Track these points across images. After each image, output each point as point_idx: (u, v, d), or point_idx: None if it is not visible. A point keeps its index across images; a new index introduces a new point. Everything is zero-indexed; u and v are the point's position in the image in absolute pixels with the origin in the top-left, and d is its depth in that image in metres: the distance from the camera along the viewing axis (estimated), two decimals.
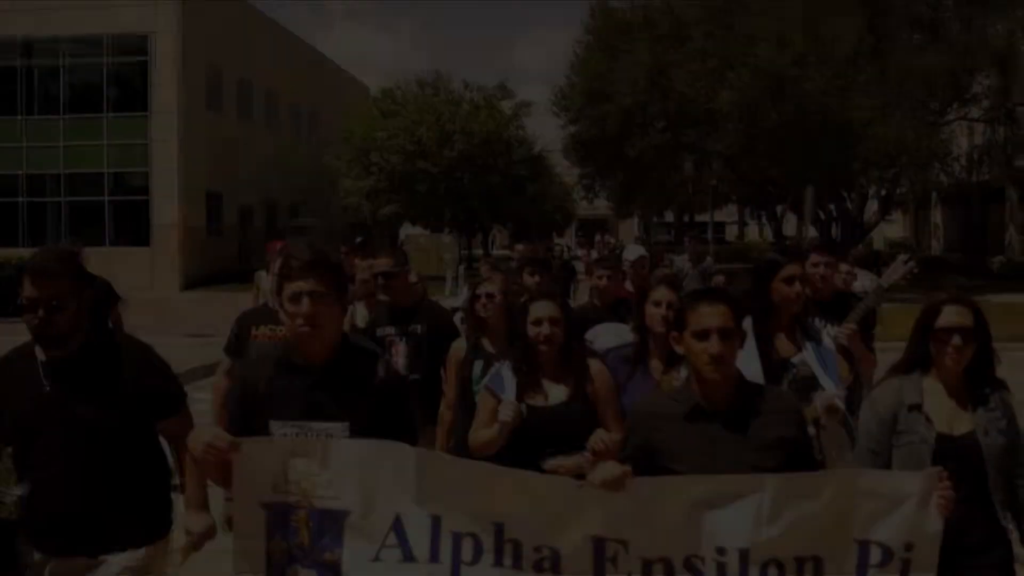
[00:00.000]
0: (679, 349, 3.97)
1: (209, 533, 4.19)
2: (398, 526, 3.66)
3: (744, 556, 3.53)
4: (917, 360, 4.30)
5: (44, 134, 39.53)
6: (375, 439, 3.67)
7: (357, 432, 3.72)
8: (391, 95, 46.95)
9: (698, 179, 42.31)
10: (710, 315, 3.79)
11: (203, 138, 40.83)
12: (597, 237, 25.08)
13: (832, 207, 38.30)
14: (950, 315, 4.17)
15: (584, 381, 5.00)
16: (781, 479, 3.58)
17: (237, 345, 6.52)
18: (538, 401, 4.97)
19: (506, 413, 4.83)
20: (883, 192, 35.99)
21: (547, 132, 51.48)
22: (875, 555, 3.56)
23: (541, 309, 5.03)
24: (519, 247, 9.74)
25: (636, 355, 5.47)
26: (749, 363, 4.63)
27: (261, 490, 3.68)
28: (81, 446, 4.09)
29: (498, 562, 3.68)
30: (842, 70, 31.06)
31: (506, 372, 5.09)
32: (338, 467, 3.64)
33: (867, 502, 3.57)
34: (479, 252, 60.04)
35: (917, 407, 4.22)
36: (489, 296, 6.30)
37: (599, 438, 4.72)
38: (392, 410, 3.85)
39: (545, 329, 4.96)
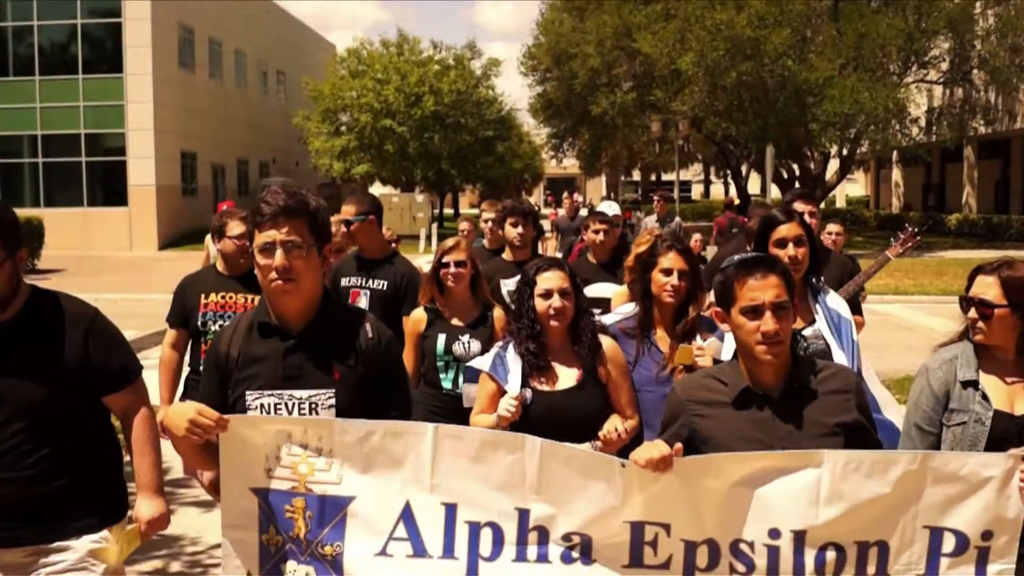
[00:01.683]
0: (724, 327, 3.60)
1: (160, 522, 3.81)
2: (408, 515, 3.30)
3: (799, 539, 3.19)
4: (967, 331, 3.93)
5: (19, 96, 39.65)
6: (383, 419, 3.34)
7: (344, 401, 3.37)
8: (357, 55, 47.27)
9: (664, 138, 42.98)
10: (762, 288, 3.34)
11: (176, 98, 41.20)
12: (564, 195, 25.36)
13: (795, 166, 39.19)
14: (978, 286, 3.85)
15: (596, 362, 4.50)
16: (841, 455, 3.20)
17: (184, 315, 6.01)
18: (546, 385, 4.46)
19: (508, 407, 4.32)
20: (844, 152, 36.84)
21: (514, 90, 51.69)
22: (948, 543, 3.23)
23: (550, 280, 4.49)
24: (484, 206, 9.07)
25: (641, 328, 4.94)
26: None
27: (251, 475, 3.32)
28: (14, 425, 3.56)
29: (521, 556, 3.32)
30: (800, 31, 31.91)
31: (509, 354, 4.57)
32: (340, 448, 3.28)
33: (941, 485, 3.23)
34: (450, 212, 60.65)
35: (973, 383, 3.83)
36: (459, 264, 5.85)
37: (613, 426, 4.37)
38: (383, 375, 3.48)
39: (556, 302, 4.45)
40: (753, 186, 51.34)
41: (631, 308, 5.13)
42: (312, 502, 3.30)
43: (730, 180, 54.75)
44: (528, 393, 4.40)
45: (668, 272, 4.86)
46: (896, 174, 52.96)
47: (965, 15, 32.57)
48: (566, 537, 3.31)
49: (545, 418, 4.31)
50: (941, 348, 4.04)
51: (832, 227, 9.34)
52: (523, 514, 3.30)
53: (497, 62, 48.19)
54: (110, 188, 40.10)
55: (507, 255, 7.27)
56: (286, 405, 3.37)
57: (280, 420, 3.33)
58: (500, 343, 4.78)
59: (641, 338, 4.91)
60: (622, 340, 4.84)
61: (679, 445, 3.27)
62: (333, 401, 3.37)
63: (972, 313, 3.83)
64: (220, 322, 5.97)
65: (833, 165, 39.29)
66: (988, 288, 3.80)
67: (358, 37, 44.98)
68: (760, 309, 3.32)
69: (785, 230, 4.82)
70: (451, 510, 3.31)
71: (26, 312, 3.63)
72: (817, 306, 4.86)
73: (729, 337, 4.40)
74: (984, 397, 3.79)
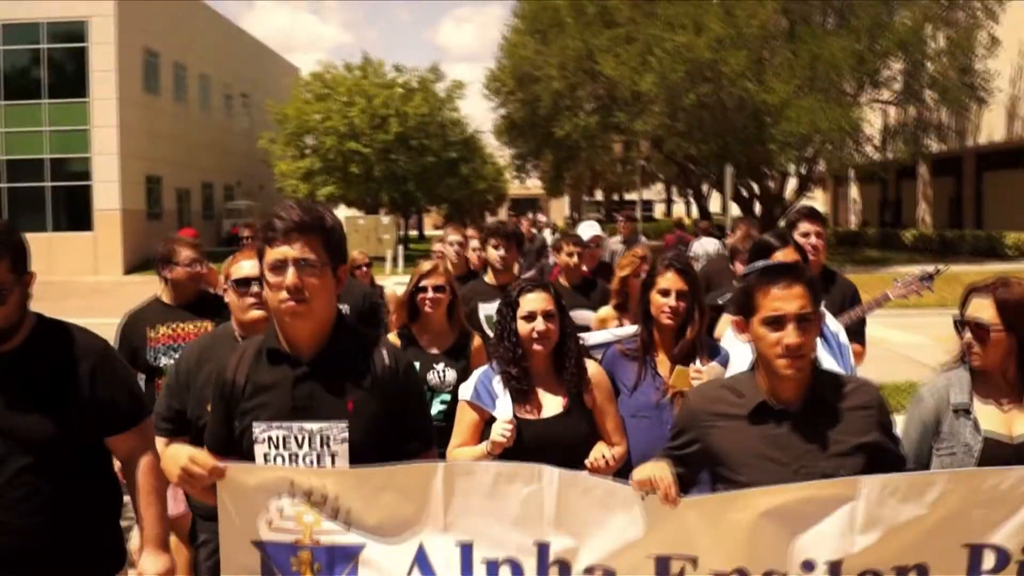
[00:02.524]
0: (743, 338, 3.38)
1: None
2: (422, 559, 3.12)
3: (835, 569, 3.04)
4: (963, 355, 3.81)
5: None
6: (391, 463, 3.11)
7: (359, 434, 3.13)
8: (321, 78, 47.62)
9: (626, 159, 43.59)
10: (786, 298, 3.17)
11: (141, 123, 41.40)
12: (529, 215, 25.67)
13: (754, 185, 39.91)
14: (973, 308, 3.75)
15: (582, 387, 4.34)
16: (877, 481, 3.04)
17: (131, 354, 5.68)
18: (531, 414, 4.28)
19: (503, 432, 4.13)
20: (802, 171, 37.55)
21: (477, 112, 52.20)
22: (988, 560, 3.12)
23: (534, 301, 4.33)
24: (448, 230, 8.73)
25: (642, 351, 4.78)
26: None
27: (252, 527, 3.12)
28: (14, 464, 3.30)
29: None
30: (757, 53, 32.64)
31: (494, 379, 4.38)
32: (345, 493, 3.10)
33: (981, 502, 3.10)
34: (414, 233, 60.95)
35: (964, 410, 3.72)
36: (437, 289, 5.59)
37: (600, 453, 4.22)
38: (401, 405, 3.22)
39: (539, 325, 4.28)
40: (714, 205, 52.06)
41: (632, 329, 4.97)
42: (320, 554, 3.10)
43: (691, 199, 55.48)
44: (514, 421, 4.22)
45: (666, 293, 4.70)
46: (853, 191, 53.94)
47: (916, 37, 33.41)
48: (588, 570, 3.15)
49: (531, 448, 4.11)
50: (939, 373, 3.90)
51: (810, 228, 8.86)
52: (543, 548, 3.14)
53: (461, 84, 48.66)
54: (75, 212, 40.14)
55: (489, 278, 7.04)
56: (296, 438, 3.13)
57: (280, 469, 3.11)
58: (481, 369, 4.53)
59: (643, 361, 4.74)
60: (622, 363, 4.75)
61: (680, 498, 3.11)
62: (346, 434, 3.12)
63: (967, 336, 3.72)
64: (173, 355, 5.70)
65: (792, 183, 39.99)
66: (983, 310, 3.68)
67: (322, 61, 45.42)
68: (783, 320, 3.15)
69: (781, 255, 4.64)
70: (467, 549, 3.13)
71: (32, 342, 3.40)
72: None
73: (742, 349, 4.20)
74: (976, 425, 3.68)
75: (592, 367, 4.45)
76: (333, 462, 3.15)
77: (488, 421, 4.30)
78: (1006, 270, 15.85)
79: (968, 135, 39.50)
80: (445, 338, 5.65)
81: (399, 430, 3.21)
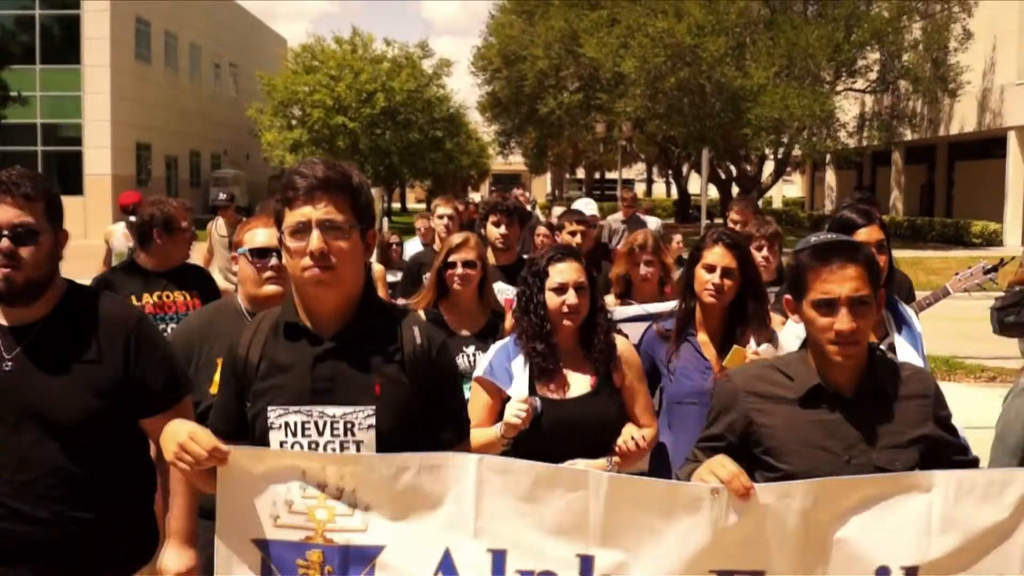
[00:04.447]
0: (794, 318, 3.15)
1: (188, 575, 3.27)
2: (448, 566, 2.72)
3: None
4: None
5: None
6: (420, 452, 2.77)
7: (386, 421, 2.81)
8: (310, 50, 48.14)
9: (608, 139, 44.43)
10: (839, 280, 2.90)
11: (132, 90, 42.07)
12: (516, 191, 26.21)
13: (732, 167, 40.82)
14: None
15: (611, 366, 4.03)
16: (952, 477, 2.78)
17: None
18: (556, 393, 3.97)
19: (517, 413, 3.81)
20: (778, 155, 38.45)
21: (462, 86, 52.82)
22: None
23: (565, 272, 4.00)
24: (438, 201, 8.21)
25: (680, 330, 4.46)
26: None
27: (254, 523, 2.74)
28: (42, 450, 3.04)
29: None
30: (737, 39, 33.55)
31: (511, 355, 4.07)
32: (366, 487, 2.72)
33: None
34: (396, 206, 61.64)
35: None
36: (467, 265, 5.14)
37: (630, 435, 3.95)
38: (433, 390, 2.90)
39: (570, 298, 3.95)
40: (693, 186, 52.99)
41: (669, 305, 4.69)
42: (332, 555, 2.71)
43: (671, 180, 56.42)
44: (537, 402, 3.89)
45: (711, 269, 4.34)
46: (830, 176, 54.89)
47: (892, 28, 34.37)
48: None
49: (557, 430, 3.87)
50: None
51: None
52: (586, 562, 2.72)
53: (448, 63, 49.27)
54: (66, 177, 40.56)
55: (489, 258, 6.30)
56: (316, 424, 2.80)
57: (291, 455, 2.76)
58: (499, 344, 4.22)
59: (680, 342, 4.43)
60: (662, 345, 4.45)
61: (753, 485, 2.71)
62: (373, 420, 2.80)
63: None
64: (161, 325, 5.28)
65: (769, 167, 40.86)
66: None
67: (312, 33, 45.87)
68: (835, 304, 2.88)
69: (864, 235, 4.12)
70: (499, 558, 2.72)
71: (62, 311, 3.13)
72: (891, 318, 4.22)
73: (792, 329, 4.10)
74: None
75: (621, 344, 4.13)
76: (358, 451, 2.81)
77: (505, 401, 3.97)
78: (970, 256, 16.82)
79: (941, 125, 40.48)
80: (476, 319, 5.21)
81: (431, 417, 2.90)
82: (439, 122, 48.41)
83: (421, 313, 5.03)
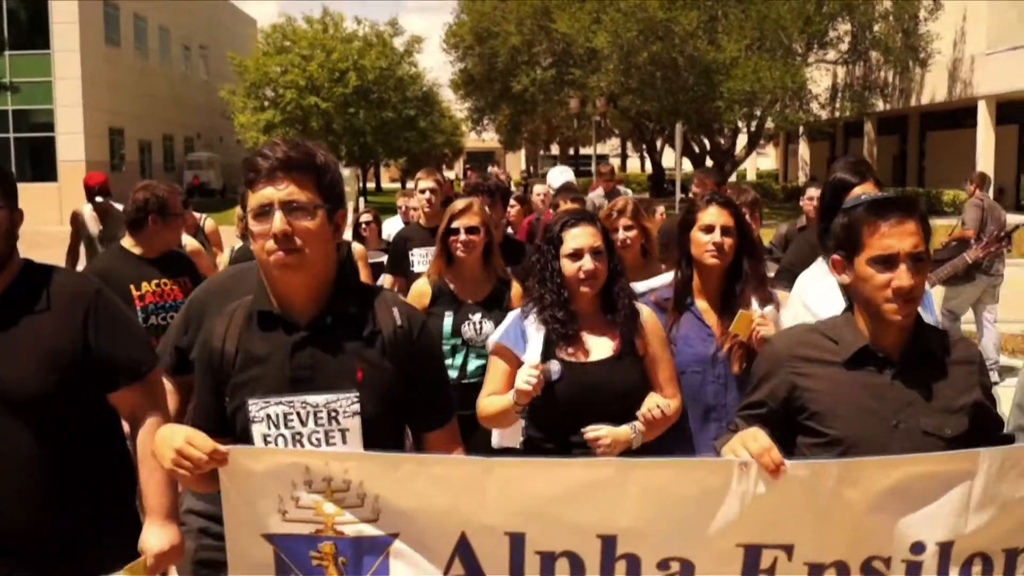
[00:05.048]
0: (842, 278, 2.97)
1: (172, 555, 3.11)
2: (465, 549, 2.65)
3: (945, 552, 2.68)
4: None
5: None
6: (420, 429, 2.85)
7: (371, 406, 2.74)
8: (281, 30, 47.98)
9: (582, 114, 44.52)
10: (899, 235, 2.81)
11: (103, 75, 41.74)
12: (491, 169, 25.92)
13: (706, 141, 40.99)
14: None
15: (633, 331, 3.89)
16: (998, 454, 2.67)
17: None
18: (576, 356, 3.83)
19: (528, 380, 3.64)
20: (751, 128, 38.65)
21: (434, 64, 52.91)
22: None
23: (580, 236, 3.86)
24: (421, 174, 7.75)
25: (679, 298, 4.31)
26: (831, 303, 3.54)
27: (262, 519, 2.67)
28: (9, 424, 2.90)
29: None
30: (708, 13, 33.64)
31: (528, 322, 3.93)
32: (372, 478, 2.64)
33: None
34: (371, 186, 61.58)
35: None
36: (470, 231, 5.07)
37: (654, 403, 3.79)
38: (417, 372, 2.83)
39: (587, 263, 3.81)
40: (668, 160, 53.15)
41: (668, 277, 4.51)
42: (345, 546, 2.65)
43: (645, 154, 56.60)
44: (555, 366, 3.77)
45: (709, 229, 4.21)
46: (803, 149, 55.16)
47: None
48: (663, 565, 2.65)
49: (576, 394, 3.75)
50: None
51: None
52: (608, 541, 2.63)
53: (419, 39, 49.21)
54: (39, 164, 40.42)
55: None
56: (299, 415, 2.73)
57: (292, 452, 2.70)
58: (517, 311, 4.06)
59: (679, 311, 4.29)
60: (661, 316, 4.21)
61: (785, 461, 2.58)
62: (357, 407, 2.72)
63: None
64: (163, 315, 5.38)
65: (742, 140, 41.06)
66: None
67: (283, 13, 45.71)
68: (894, 260, 2.80)
69: (861, 191, 4.00)
70: (518, 540, 2.63)
71: (17, 287, 3.01)
72: None
73: (788, 310, 4.05)
74: None
75: (644, 311, 3.99)
76: (344, 440, 2.75)
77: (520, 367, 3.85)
78: (943, 225, 17.00)
79: (912, 95, 40.73)
80: (481, 286, 5.16)
81: (413, 401, 2.84)
82: (412, 101, 48.42)
83: (427, 284, 5.19)
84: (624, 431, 3.75)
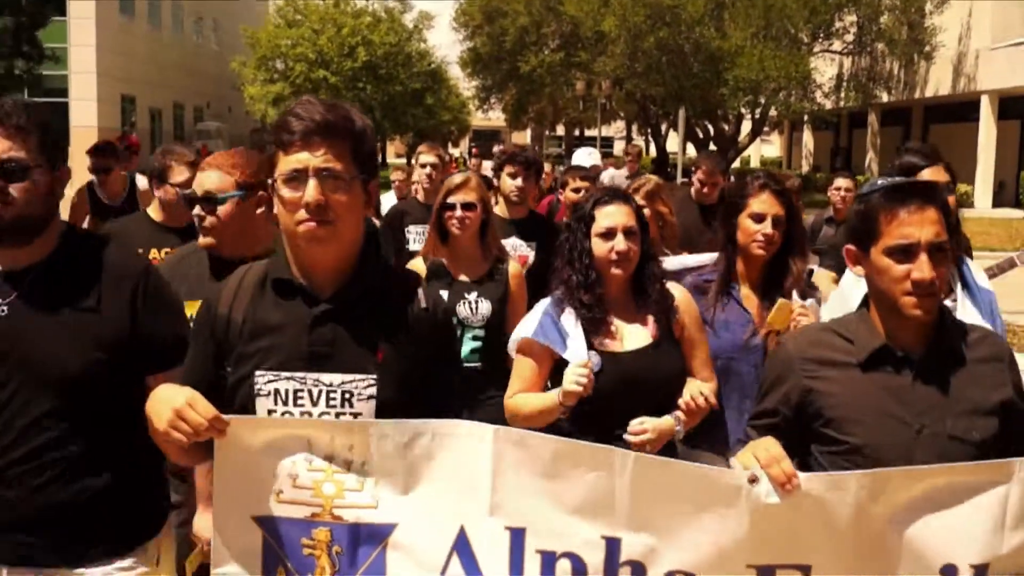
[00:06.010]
0: (857, 270, 2.79)
1: None
2: (463, 544, 2.50)
3: (980, 575, 2.46)
4: None
5: None
6: (434, 419, 2.52)
7: (388, 391, 2.55)
8: (293, 4, 48.35)
9: (588, 96, 44.85)
10: (918, 223, 2.62)
11: (117, 43, 42.21)
12: (497, 148, 26.14)
13: (710, 126, 41.35)
14: None
15: (670, 315, 3.69)
16: None
17: None
18: (611, 346, 3.61)
19: (578, 380, 3.41)
20: (755, 116, 38.98)
21: (443, 42, 53.24)
22: None
23: (613, 215, 3.65)
24: (422, 148, 7.50)
25: (722, 283, 4.10)
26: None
27: (255, 499, 2.49)
28: (37, 407, 2.75)
29: None
30: (715, 1, 34.00)
31: (563, 317, 3.66)
32: (378, 459, 2.48)
33: None
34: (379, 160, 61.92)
35: None
36: (467, 207, 4.84)
37: (697, 390, 3.57)
38: (436, 358, 2.66)
39: (619, 243, 3.59)
40: (672, 144, 53.49)
41: (707, 257, 4.30)
42: (341, 533, 2.47)
43: (650, 138, 56.91)
44: (595, 358, 3.53)
45: (760, 218, 3.98)
46: (807, 137, 55.44)
47: None
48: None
49: (617, 386, 3.52)
50: None
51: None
52: (612, 544, 2.48)
53: (428, 16, 49.56)
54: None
55: (501, 210, 6.03)
56: (310, 393, 2.53)
57: (296, 422, 2.51)
58: (545, 301, 3.80)
59: (721, 296, 4.09)
60: (700, 298, 4.01)
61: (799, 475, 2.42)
62: (374, 390, 2.54)
63: None
64: None
65: (746, 127, 41.37)
66: None
67: None
68: (913, 250, 2.60)
69: (929, 175, 3.83)
70: (518, 536, 2.50)
71: (60, 256, 2.84)
72: (955, 274, 3.80)
73: (836, 294, 3.93)
74: None
75: (678, 292, 3.79)
76: None
77: (554, 362, 3.67)
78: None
79: (916, 88, 41.02)
80: (477, 264, 4.95)
81: (432, 389, 2.64)
82: (420, 75, 48.76)
83: (421, 262, 4.96)
84: (667, 422, 3.56)
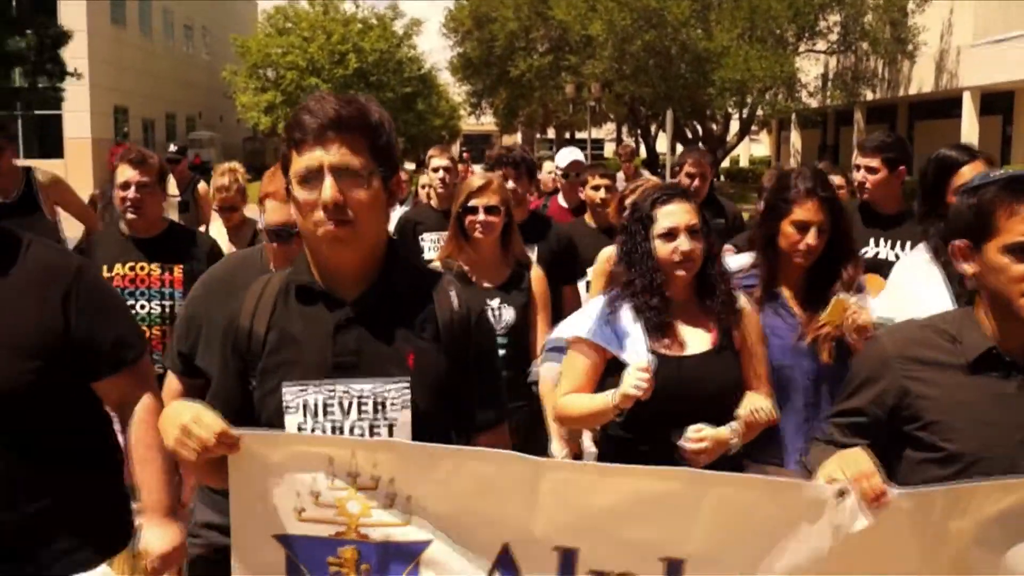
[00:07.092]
0: (966, 268, 2.58)
1: (175, 555, 2.88)
2: (507, 564, 2.33)
3: None
4: None
5: None
6: (470, 428, 2.50)
7: (423, 396, 2.42)
8: (283, 12, 48.75)
9: (578, 99, 45.29)
10: None
11: (109, 54, 42.56)
12: (488, 152, 26.06)
13: (699, 127, 41.79)
14: None
15: (732, 321, 3.54)
16: None
17: None
18: (672, 350, 3.46)
19: (637, 384, 3.26)
20: (742, 116, 39.44)
21: (433, 47, 53.51)
22: None
23: (675, 214, 3.48)
24: (433, 151, 7.11)
25: (766, 287, 3.94)
26: (936, 294, 3.42)
27: (275, 517, 2.35)
28: None
29: None
30: (701, 2, 34.47)
31: (620, 312, 3.52)
32: (406, 475, 2.31)
33: None
34: None
35: None
36: (490, 211, 4.60)
37: (759, 403, 3.47)
38: (472, 363, 2.52)
39: (683, 244, 3.44)
40: (661, 145, 53.90)
41: (745, 259, 4.10)
42: (369, 552, 2.33)
43: (640, 139, 57.34)
44: (651, 360, 3.37)
45: (804, 227, 3.79)
46: (795, 136, 55.92)
47: None
48: None
49: (673, 392, 3.34)
50: None
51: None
52: (673, 566, 2.31)
53: (418, 22, 49.95)
54: (46, 141, 41.08)
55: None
56: (340, 403, 2.41)
57: (314, 439, 2.38)
58: (599, 300, 3.65)
59: (766, 300, 3.91)
60: None
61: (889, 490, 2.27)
62: (408, 396, 2.41)
63: None
64: (131, 302, 4.81)
65: (734, 127, 41.81)
66: None
67: None
68: None
69: (969, 171, 3.75)
70: (569, 557, 2.32)
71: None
72: None
73: (891, 287, 3.81)
74: None
75: (742, 299, 3.64)
76: (391, 434, 2.42)
77: (608, 363, 3.53)
78: None
79: (900, 85, 41.47)
80: (499, 270, 4.74)
81: (467, 394, 2.51)
82: (410, 81, 49.14)
83: (439, 265, 4.67)
84: (724, 433, 3.40)
